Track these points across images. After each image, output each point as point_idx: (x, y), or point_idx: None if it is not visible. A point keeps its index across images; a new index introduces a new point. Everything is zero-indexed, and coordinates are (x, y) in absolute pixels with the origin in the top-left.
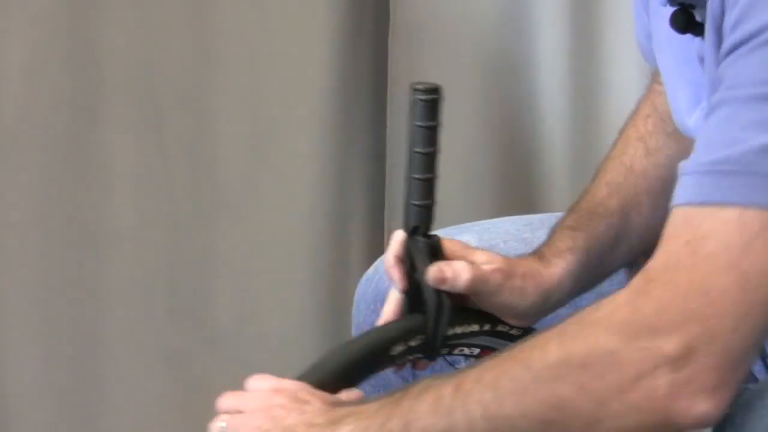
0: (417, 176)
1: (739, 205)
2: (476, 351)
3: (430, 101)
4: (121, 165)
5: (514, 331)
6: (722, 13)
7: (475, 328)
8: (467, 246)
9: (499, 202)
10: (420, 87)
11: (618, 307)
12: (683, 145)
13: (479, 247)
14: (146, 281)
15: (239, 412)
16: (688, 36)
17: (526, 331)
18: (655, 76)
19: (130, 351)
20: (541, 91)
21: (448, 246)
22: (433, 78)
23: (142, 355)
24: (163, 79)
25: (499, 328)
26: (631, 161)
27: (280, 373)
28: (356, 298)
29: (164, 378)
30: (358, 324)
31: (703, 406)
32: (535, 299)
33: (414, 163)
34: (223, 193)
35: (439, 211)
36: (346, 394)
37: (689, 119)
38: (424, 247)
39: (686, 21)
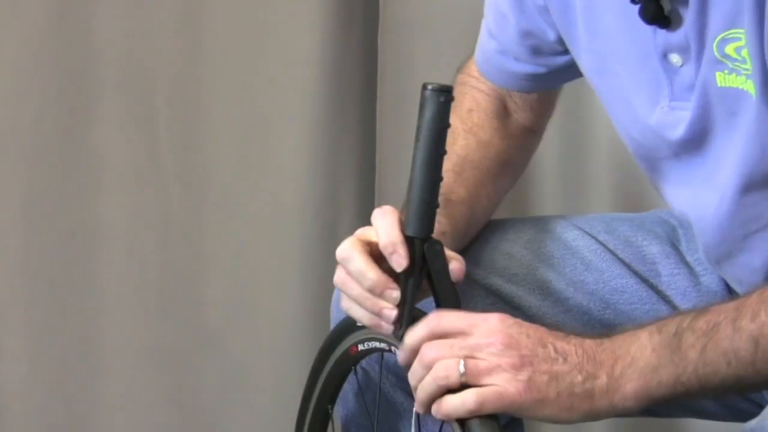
0: (436, 178)
1: None
2: None
3: (449, 101)
4: (113, 161)
5: None
6: None
7: None
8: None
9: None
10: (438, 88)
11: None
12: (508, 140)
13: None
14: (137, 278)
15: (465, 341)
16: (648, 32)
17: None
18: (472, 73)
19: (122, 347)
20: None
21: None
22: (422, 74)
23: (134, 352)
24: (154, 76)
25: None
26: (465, 152)
27: (272, 369)
28: (335, 296)
29: (156, 374)
30: (336, 321)
31: None
32: None
33: (437, 165)
34: (214, 190)
35: None
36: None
37: (651, 118)
38: (441, 248)
39: (655, 12)
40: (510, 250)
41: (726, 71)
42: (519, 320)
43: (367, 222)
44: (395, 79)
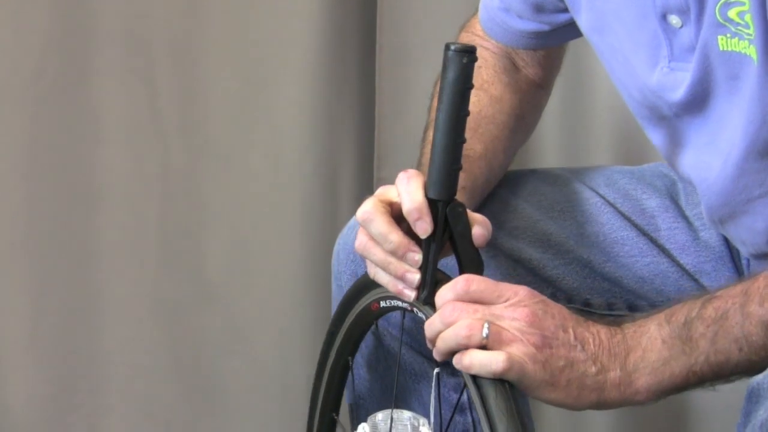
0: (460, 140)
1: None
2: None
3: (473, 62)
4: (112, 114)
5: None
6: None
7: None
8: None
9: None
10: (461, 48)
11: None
12: (519, 95)
13: None
14: (137, 230)
15: (488, 309)
16: None
17: None
18: (476, 31)
19: (122, 301)
20: None
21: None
22: (421, 26)
23: (134, 305)
24: (153, 28)
25: None
26: (479, 108)
27: (272, 322)
28: (336, 248)
29: (156, 327)
30: (338, 273)
31: None
32: None
33: (460, 127)
34: (213, 142)
35: None
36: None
37: (651, 78)
38: (463, 210)
39: None
40: (511, 203)
41: (728, 35)
42: (546, 298)
43: (365, 175)
44: (394, 30)
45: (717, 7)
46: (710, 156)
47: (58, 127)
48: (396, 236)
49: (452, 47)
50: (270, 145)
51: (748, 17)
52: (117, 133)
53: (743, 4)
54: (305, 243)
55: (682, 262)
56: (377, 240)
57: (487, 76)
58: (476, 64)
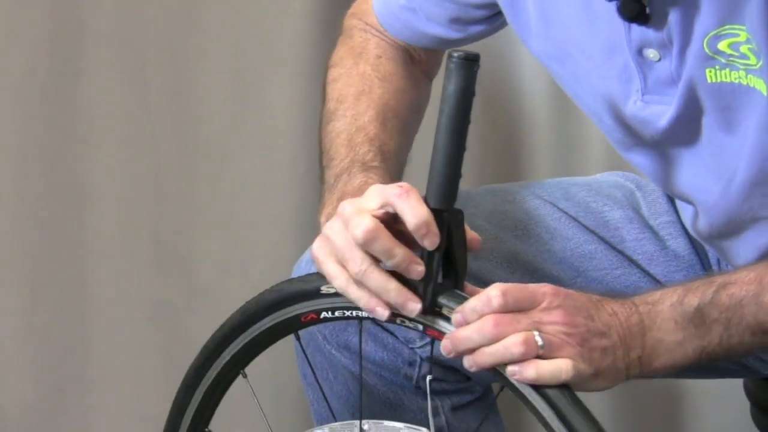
0: (461, 149)
1: None
2: None
3: (476, 70)
4: (104, 114)
5: None
6: None
7: None
8: None
9: (481, 172)
10: (465, 56)
11: None
12: (417, 88)
13: None
14: (130, 231)
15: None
16: (614, 26)
17: None
18: (369, 21)
19: (113, 301)
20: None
21: None
22: None
23: (126, 306)
24: (145, 27)
25: None
26: (385, 100)
27: None
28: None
29: (147, 328)
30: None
31: None
32: None
33: (463, 135)
34: (206, 144)
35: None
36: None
37: (625, 107)
38: (462, 216)
39: (637, 10)
40: (473, 224)
41: (717, 67)
42: (568, 291)
43: None
44: None
45: (705, 41)
46: (708, 181)
47: (49, 127)
48: (401, 250)
49: (455, 55)
50: (263, 145)
51: (744, 48)
52: (109, 133)
53: (737, 35)
54: (298, 243)
55: (651, 272)
56: (380, 257)
57: (390, 67)
58: (376, 53)
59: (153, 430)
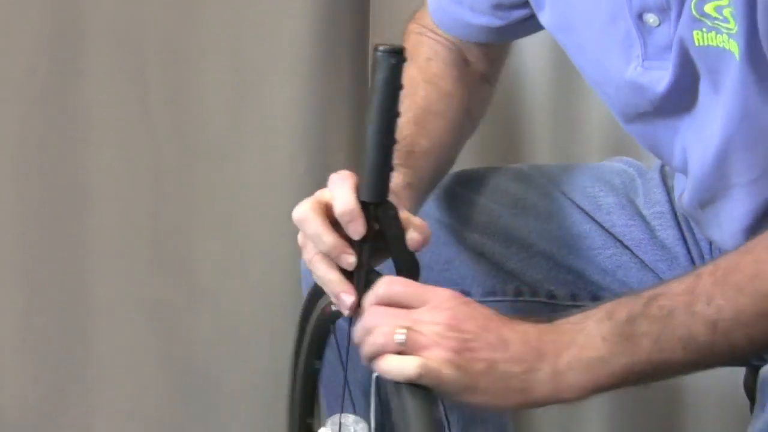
0: (390, 142)
1: None
2: None
3: (401, 63)
4: (103, 115)
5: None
6: None
7: None
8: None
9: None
10: (389, 49)
11: None
12: (468, 89)
13: None
14: (129, 232)
15: (411, 322)
16: None
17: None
18: (426, 24)
19: (113, 302)
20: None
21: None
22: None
23: (125, 306)
24: (144, 28)
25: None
26: (427, 103)
27: (264, 323)
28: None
29: (147, 329)
30: (305, 273)
31: None
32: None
33: (390, 128)
34: (205, 144)
35: None
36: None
37: (626, 72)
38: (396, 213)
39: None
40: (474, 201)
41: (704, 29)
42: (471, 300)
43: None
44: (387, 28)
45: (693, 2)
46: (696, 147)
47: (49, 128)
48: (330, 237)
49: (380, 48)
50: (262, 145)
51: (727, 12)
52: (109, 133)
53: None
54: (297, 244)
55: (640, 257)
56: (312, 240)
57: (437, 69)
58: (426, 56)
59: (153, 430)
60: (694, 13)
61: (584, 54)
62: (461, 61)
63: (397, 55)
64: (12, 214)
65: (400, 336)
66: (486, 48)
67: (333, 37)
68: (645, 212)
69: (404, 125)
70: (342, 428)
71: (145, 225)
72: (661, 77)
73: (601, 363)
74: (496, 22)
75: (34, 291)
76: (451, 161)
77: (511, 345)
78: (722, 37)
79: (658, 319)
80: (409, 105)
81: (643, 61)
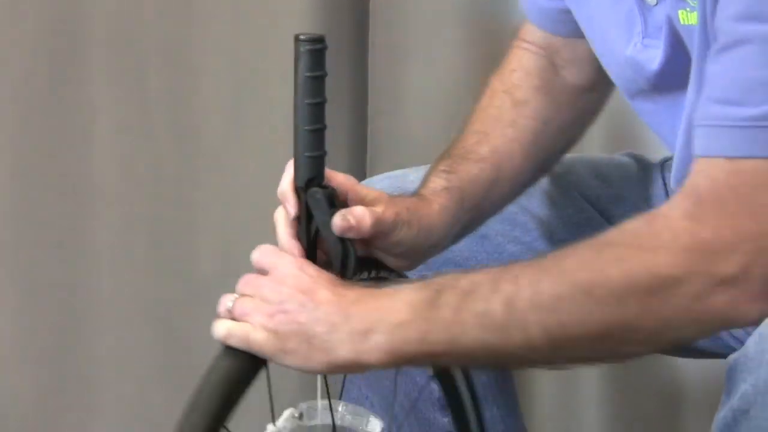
0: (309, 127)
1: None
2: None
3: (318, 51)
4: (103, 115)
5: (392, 277)
6: None
7: (365, 275)
8: (356, 184)
9: None
10: (306, 38)
11: (677, 234)
12: (551, 98)
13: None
14: (128, 232)
15: (250, 294)
16: None
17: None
18: (522, 35)
19: (113, 301)
20: None
21: (342, 187)
22: (414, 24)
23: (125, 306)
24: (145, 30)
25: (382, 274)
26: (499, 112)
27: None
28: None
29: (147, 327)
30: None
31: (757, 309)
32: (419, 234)
33: (306, 115)
34: (205, 144)
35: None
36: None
37: (626, 50)
38: (323, 198)
39: None
40: None
41: (688, 9)
42: (314, 268)
43: (357, 173)
44: (387, 29)
45: None
46: (679, 126)
47: (49, 128)
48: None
49: (300, 37)
50: (262, 144)
51: None
52: (108, 134)
53: None
54: None
55: None
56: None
57: (516, 79)
58: (512, 68)
59: (153, 430)
60: None
61: (592, 26)
62: (547, 69)
63: (314, 43)
64: (12, 214)
65: (228, 303)
66: (572, 47)
67: (333, 37)
68: (642, 206)
69: (470, 134)
70: (312, 413)
71: (145, 226)
72: (655, 55)
73: (400, 327)
74: (558, 4)
75: (33, 290)
76: (521, 169)
77: (321, 306)
78: (695, 15)
79: (464, 291)
80: (480, 115)
81: (642, 38)
